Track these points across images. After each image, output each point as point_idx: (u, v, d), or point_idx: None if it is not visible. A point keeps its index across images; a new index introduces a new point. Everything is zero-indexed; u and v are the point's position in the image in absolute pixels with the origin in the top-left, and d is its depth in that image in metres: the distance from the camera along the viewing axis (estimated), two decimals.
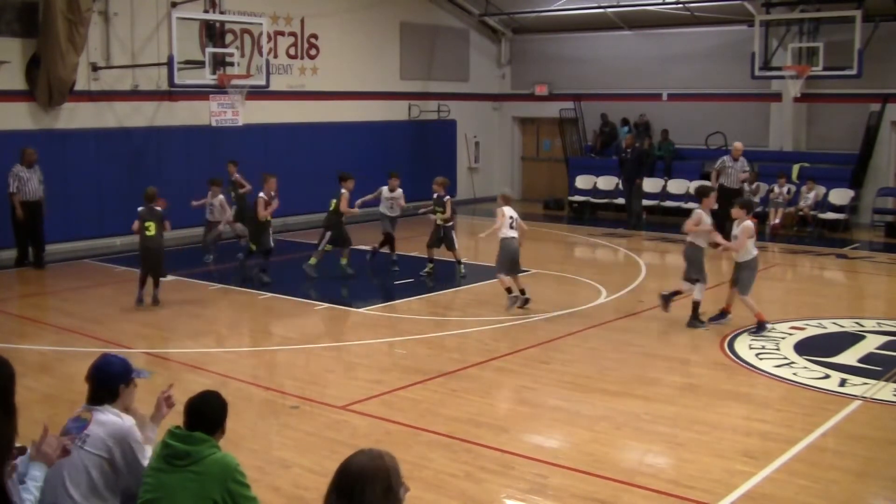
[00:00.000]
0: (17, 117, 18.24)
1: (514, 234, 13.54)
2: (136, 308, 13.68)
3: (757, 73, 22.31)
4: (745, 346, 11.56)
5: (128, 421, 5.17)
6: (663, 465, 7.93)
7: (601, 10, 25.20)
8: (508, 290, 13.56)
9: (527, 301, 13.54)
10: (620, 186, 24.12)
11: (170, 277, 15.85)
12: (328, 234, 15.76)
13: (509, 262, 13.55)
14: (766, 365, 10.78)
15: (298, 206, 21.47)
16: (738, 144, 20.50)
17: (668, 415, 9.05)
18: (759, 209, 21.96)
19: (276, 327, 13.29)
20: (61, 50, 17.75)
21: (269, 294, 14.66)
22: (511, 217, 13.55)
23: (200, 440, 4.79)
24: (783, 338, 11.97)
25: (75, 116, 19.05)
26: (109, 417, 5.13)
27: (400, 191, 16.80)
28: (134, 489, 5.00)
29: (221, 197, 17.57)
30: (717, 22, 24.61)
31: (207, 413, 4.93)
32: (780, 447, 8.14)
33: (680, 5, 24.32)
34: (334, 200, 15.62)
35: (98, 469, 5.02)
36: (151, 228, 13.58)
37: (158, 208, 13.77)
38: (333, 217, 15.73)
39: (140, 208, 13.80)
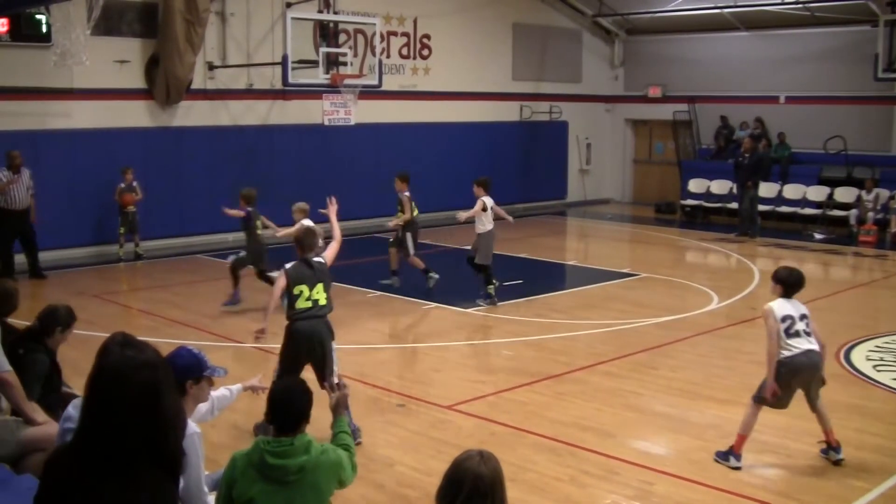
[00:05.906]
0: (136, 114, 18.83)
1: None
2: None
3: (880, 74, 21.64)
4: (861, 358, 11.19)
5: (190, 427, 4.65)
6: (772, 476, 7.73)
7: (717, 10, 24.71)
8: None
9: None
10: (735, 191, 23.50)
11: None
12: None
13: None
14: (884, 377, 10.43)
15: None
16: None
17: (778, 425, 8.80)
18: (879, 216, 21.36)
19: (384, 325, 13.40)
20: (179, 50, 18.25)
21: (379, 293, 14.77)
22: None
23: (302, 447, 4.53)
24: None
25: (191, 114, 19.56)
26: None
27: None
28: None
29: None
30: (839, 22, 23.86)
31: (294, 406, 4.61)
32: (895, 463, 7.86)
33: (800, 5, 23.67)
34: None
35: None
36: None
37: None
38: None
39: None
